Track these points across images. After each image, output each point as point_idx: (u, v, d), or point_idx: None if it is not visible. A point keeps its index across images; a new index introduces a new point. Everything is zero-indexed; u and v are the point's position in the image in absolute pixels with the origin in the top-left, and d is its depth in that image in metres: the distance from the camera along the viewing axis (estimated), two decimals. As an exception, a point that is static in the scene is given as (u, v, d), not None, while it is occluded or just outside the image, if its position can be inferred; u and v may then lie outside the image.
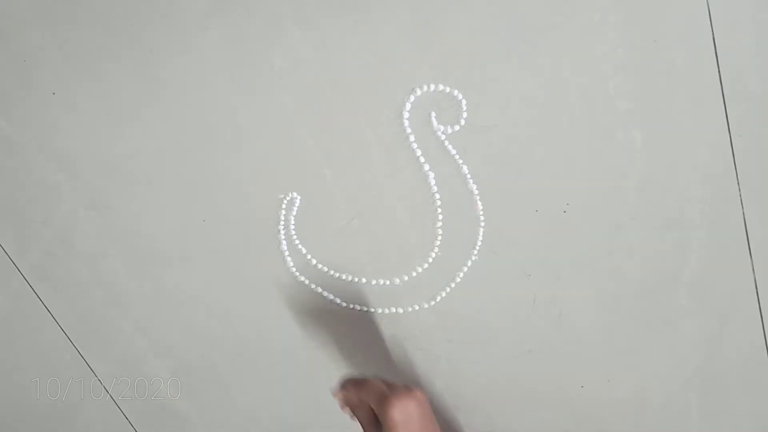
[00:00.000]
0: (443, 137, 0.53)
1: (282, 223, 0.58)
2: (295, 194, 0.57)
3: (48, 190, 0.59)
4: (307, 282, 0.60)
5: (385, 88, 0.53)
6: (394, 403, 0.45)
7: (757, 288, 0.56)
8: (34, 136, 0.57)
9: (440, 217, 0.56)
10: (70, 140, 0.57)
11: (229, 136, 0.55)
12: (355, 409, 0.48)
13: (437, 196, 0.55)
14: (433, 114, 0.53)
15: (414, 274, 0.58)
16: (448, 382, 0.62)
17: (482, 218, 0.56)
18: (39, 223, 0.60)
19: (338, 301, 0.60)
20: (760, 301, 0.56)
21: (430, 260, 0.58)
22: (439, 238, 0.57)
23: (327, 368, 0.63)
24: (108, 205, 0.59)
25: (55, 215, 0.60)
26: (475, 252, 0.57)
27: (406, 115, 0.53)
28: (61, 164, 0.58)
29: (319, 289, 0.60)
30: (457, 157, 0.54)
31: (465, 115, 0.52)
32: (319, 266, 0.59)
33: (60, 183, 0.59)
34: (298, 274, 0.60)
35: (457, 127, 0.53)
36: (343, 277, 0.59)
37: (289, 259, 0.59)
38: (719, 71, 0.49)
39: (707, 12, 0.48)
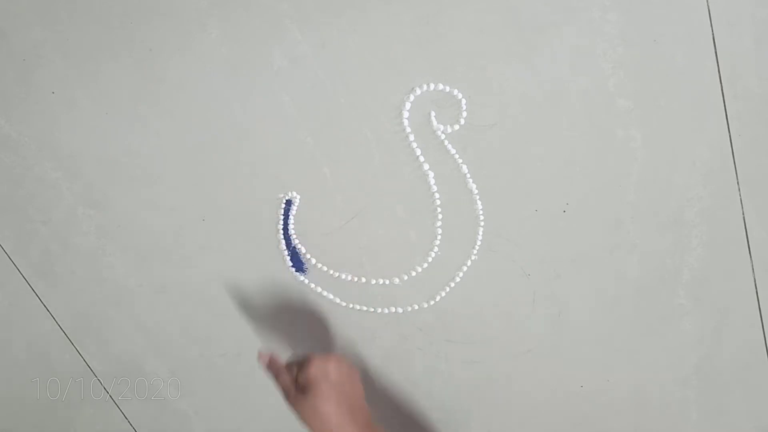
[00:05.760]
0: (443, 136, 0.53)
1: (281, 222, 0.58)
2: (294, 193, 0.57)
3: (47, 189, 0.59)
4: (306, 282, 0.60)
5: (385, 88, 0.53)
6: (312, 362, 0.51)
7: (756, 287, 0.56)
8: (34, 135, 0.57)
9: (440, 216, 0.56)
10: (69, 139, 0.57)
11: (229, 135, 0.55)
12: (278, 375, 0.53)
13: (437, 195, 0.55)
14: (433, 113, 0.53)
15: (414, 273, 0.58)
16: (448, 381, 0.62)
17: (482, 217, 0.56)
18: (38, 222, 0.60)
19: (338, 300, 0.60)
20: (760, 301, 0.56)
21: (430, 260, 0.58)
22: (439, 237, 0.57)
23: (327, 368, 0.63)
24: (107, 203, 0.59)
25: (54, 213, 0.60)
26: (475, 251, 0.57)
27: (406, 114, 0.53)
28: (60, 162, 0.58)
29: (319, 289, 0.60)
30: (456, 156, 0.54)
31: (464, 114, 0.52)
32: (319, 266, 0.59)
33: (59, 181, 0.59)
34: (297, 273, 0.60)
35: (456, 127, 0.53)
36: (343, 276, 0.59)
37: (288, 258, 0.59)
38: (719, 71, 0.49)
39: (707, 12, 0.48)
